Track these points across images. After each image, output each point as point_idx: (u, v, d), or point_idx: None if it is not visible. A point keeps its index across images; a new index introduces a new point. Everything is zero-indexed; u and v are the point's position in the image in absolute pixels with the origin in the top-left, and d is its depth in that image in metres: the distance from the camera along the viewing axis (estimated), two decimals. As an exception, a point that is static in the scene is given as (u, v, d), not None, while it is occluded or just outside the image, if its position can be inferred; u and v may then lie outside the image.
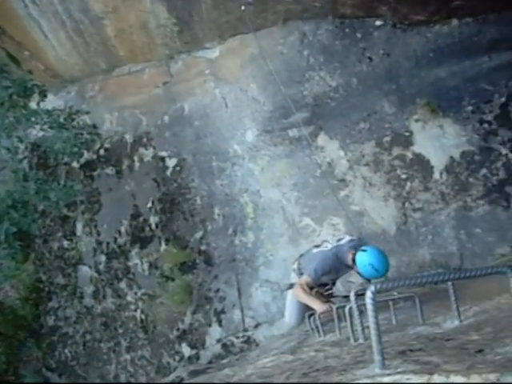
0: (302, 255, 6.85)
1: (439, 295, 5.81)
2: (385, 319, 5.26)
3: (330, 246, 6.35)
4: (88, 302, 11.11)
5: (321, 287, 6.45)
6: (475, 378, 1.69)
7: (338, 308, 5.28)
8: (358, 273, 6.06)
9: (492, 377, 1.67)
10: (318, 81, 9.20)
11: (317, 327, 5.89)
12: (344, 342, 3.65)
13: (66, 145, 9.14)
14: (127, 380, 10.68)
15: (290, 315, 7.11)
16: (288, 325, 7.47)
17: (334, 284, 6.62)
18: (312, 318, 6.21)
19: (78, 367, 11.29)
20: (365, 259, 5.86)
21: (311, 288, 6.34)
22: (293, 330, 8.47)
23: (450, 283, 3.54)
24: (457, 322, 3.39)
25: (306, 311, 6.43)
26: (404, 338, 3.19)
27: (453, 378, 1.73)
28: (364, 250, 5.92)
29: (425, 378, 1.78)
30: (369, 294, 2.13)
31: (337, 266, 6.17)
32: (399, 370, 2.03)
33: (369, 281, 6.03)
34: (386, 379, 1.88)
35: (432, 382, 1.76)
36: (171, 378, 6.29)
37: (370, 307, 2.12)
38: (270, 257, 9.46)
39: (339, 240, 6.43)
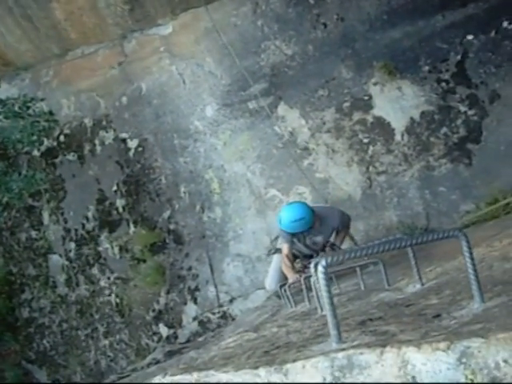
0: None
1: (407, 257, 5.86)
2: (355, 284, 5.30)
3: None
4: (61, 290, 11.03)
5: (305, 259, 6.59)
6: (425, 348, 1.71)
7: (305, 278, 5.27)
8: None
9: (442, 346, 1.69)
10: (274, 50, 9.12)
11: (287, 297, 5.92)
12: (309, 315, 3.65)
13: (23, 134, 8.94)
14: (107, 365, 10.67)
15: (270, 281, 7.18)
16: (268, 290, 7.60)
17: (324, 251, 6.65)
18: (283, 289, 6.24)
19: (57, 357, 11.24)
20: (281, 217, 6.16)
21: (296, 257, 6.53)
22: (266, 301, 8.54)
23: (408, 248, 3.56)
24: (418, 286, 3.41)
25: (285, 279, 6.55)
26: (367, 306, 3.21)
27: (404, 350, 1.75)
28: None
29: (377, 352, 1.79)
30: (320, 268, 2.07)
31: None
32: (354, 343, 2.02)
33: (292, 235, 6.34)
34: (340, 354, 1.87)
35: (384, 354, 1.77)
36: (148, 360, 6.27)
37: (322, 282, 2.09)
38: (239, 231, 9.44)
39: None
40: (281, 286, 6.38)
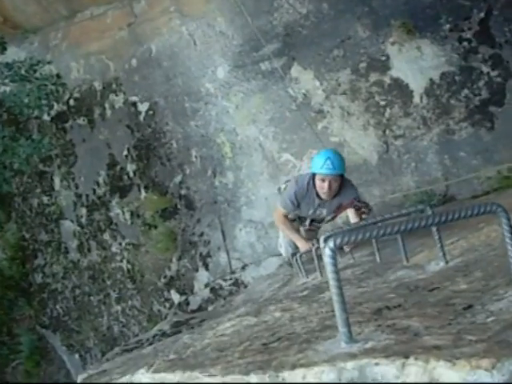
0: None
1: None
2: (370, 254, 5.01)
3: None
4: (73, 256, 10.93)
5: (311, 225, 6.21)
6: (462, 366, 1.32)
7: (318, 248, 4.98)
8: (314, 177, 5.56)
9: (485, 364, 1.30)
10: (288, 9, 8.74)
11: (299, 267, 5.68)
12: (319, 292, 3.31)
13: (30, 98, 8.70)
14: (120, 330, 10.61)
15: (284, 247, 6.80)
16: (284, 256, 7.29)
17: (322, 222, 6.24)
18: (295, 258, 5.99)
19: (70, 322, 11.21)
20: (314, 158, 5.53)
21: (293, 220, 6.09)
22: (279, 269, 8.33)
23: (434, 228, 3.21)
24: (442, 264, 3.02)
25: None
26: (383, 287, 2.83)
27: (433, 364, 1.35)
28: None
29: (398, 364, 1.42)
30: (327, 251, 1.70)
31: (303, 194, 5.65)
32: (368, 345, 1.66)
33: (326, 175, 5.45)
34: (350, 364, 1.49)
35: (406, 368, 1.40)
36: (154, 331, 6.10)
37: (329, 268, 1.71)
38: (251, 196, 9.20)
39: None
40: (292, 255, 6.13)
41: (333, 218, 6.19)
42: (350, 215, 5.89)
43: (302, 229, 6.31)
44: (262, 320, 2.64)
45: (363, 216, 5.69)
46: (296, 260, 5.84)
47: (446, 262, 3.01)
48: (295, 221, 6.14)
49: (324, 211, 5.86)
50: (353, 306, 2.36)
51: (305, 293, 3.78)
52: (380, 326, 1.88)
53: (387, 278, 3.17)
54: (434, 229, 3.15)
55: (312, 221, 6.17)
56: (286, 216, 5.92)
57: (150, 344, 5.16)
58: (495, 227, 3.82)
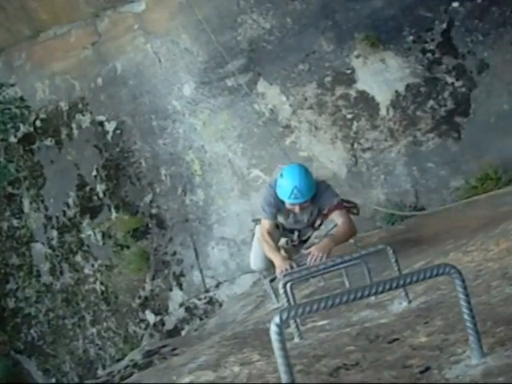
0: None
1: (400, 246, 5.45)
2: (340, 275, 4.86)
3: None
4: (46, 279, 10.78)
5: (291, 236, 5.72)
6: None
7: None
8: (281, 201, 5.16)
9: None
10: (251, 24, 8.69)
11: (271, 292, 5.42)
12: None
13: (-6, 122, 8.59)
14: (96, 353, 10.46)
15: (254, 258, 6.10)
16: (253, 267, 6.49)
17: (309, 231, 5.78)
18: (267, 280, 5.69)
19: (45, 346, 11.04)
20: (280, 183, 5.02)
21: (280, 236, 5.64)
22: (252, 287, 8.23)
23: (393, 260, 3.12)
24: (405, 304, 2.93)
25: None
26: (345, 332, 2.74)
27: None
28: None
29: None
30: (273, 327, 1.62)
31: (277, 200, 5.19)
32: None
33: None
34: None
35: None
36: (125, 362, 5.97)
37: (275, 345, 1.61)
38: (222, 213, 9.12)
39: None
40: (271, 280, 5.68)
41: (319, 226, 5.77)
42: (336, 219, 5.27)
43: (286, 245, 5.86)
44: (220, 376, 2.55)
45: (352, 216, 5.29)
46: (269, 283, 5.58)
47: (409, 302, 2.93)
48: (281, 236, 5.71)
49: (304, 217, 5.44)
50: (311, 363, 2.28)
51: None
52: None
53: (350, 320, 3.08)
54: (395, 267, 3.08)
55: (299, 233, 5.74)
56: (270, 233, 5.33)
57: (122, 378, 5.04)
58: (459, 255, 3.77)
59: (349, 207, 5.45)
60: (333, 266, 3.57)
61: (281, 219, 5.51)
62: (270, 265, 5.67)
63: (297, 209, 5.11)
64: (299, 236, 5.79)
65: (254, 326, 4.54)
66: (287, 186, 4.94)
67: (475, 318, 1.73)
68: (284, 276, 3.87)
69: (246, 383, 2.26)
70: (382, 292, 1.73)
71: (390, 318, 2.78)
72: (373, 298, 3.47)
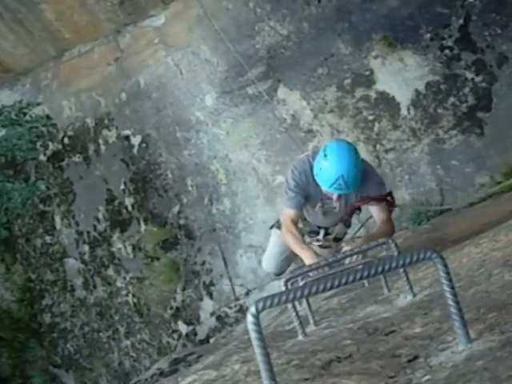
0: None
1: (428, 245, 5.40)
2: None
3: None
4: (80, 293, 10.92)
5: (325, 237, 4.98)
6: None
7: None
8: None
9: None
10: (269, 31, 8.75)
11: (295, 314, 5.03)
12: (286, 337, 3.17)
13: (22, 141, 8.77)
14: (131, 365, 10.55)
15: (267, 260, 5.60)
16: (265, 270, 6.07)
17: (337, 226, 5.01)
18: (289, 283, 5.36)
19: (82, 360, 11.17)
20: (323, 167, 4.19)
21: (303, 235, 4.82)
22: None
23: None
24: (409, 298, 2.86)
25: (289, 258, 5.27)
26: (348, 328, 2.73)
27: None
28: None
29: None
30: (249, 318, 1.56)
31: (305, 183, 4.46)
32: None
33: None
34: None
35: None
36: (152, 370, 6.03)
37: (252, 335, 1.61)
38: (249, 221, 9.16)
39: None
40: (286, 281, 4.78)
41: (350, 216, 5.00)
42: (375, 214, 4.57)
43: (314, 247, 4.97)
44: (220, 374, 2.57)
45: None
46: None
47: (414, 296, 2.88)
48: (304, 236, 4.92)
49: (337, 207, 4.65)
50: (307, 358, 2.29)
51: (287, 327, 3.67)
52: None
53: (356, 316, 3.06)
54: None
55: (326, 231, 5.03)
56: (295, 223, 4.51)
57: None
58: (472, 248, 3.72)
59: (392, 202, 4.66)
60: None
61: (305, 210, 4.75)
62: (282, 270, 5.49)
63: (335, 196, 4.40)
64: (326, 234, 5.02)
65: (274, 329, 4.55)
66: (331, 173, 4.12)
67: (459, 304, 1.71)
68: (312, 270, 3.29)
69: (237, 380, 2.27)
70: (360, 279, 1.70)
71: (393, 312, 2.75)
72: (366, 283, 3.37)
